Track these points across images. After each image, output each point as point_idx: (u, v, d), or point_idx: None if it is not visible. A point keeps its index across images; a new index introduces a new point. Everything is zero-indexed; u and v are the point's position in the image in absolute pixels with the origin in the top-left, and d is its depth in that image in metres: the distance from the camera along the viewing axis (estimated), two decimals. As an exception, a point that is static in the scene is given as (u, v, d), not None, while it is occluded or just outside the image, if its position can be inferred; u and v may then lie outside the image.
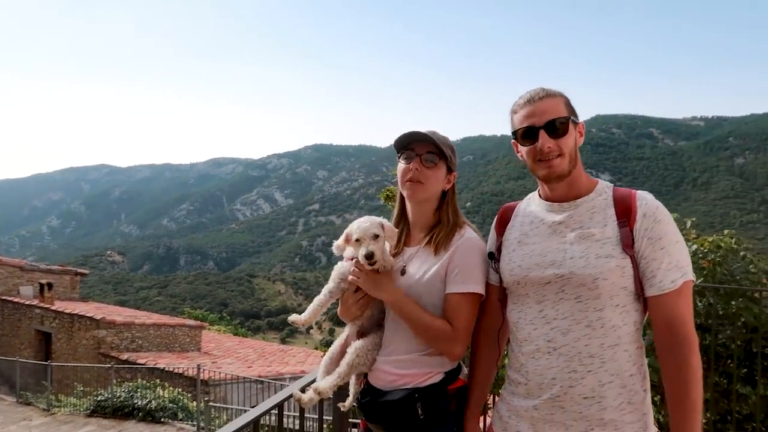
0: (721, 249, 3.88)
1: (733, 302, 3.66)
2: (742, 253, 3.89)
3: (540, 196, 1.85)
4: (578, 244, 1.66)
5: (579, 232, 1.68)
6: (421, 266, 1.96)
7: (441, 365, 1.92)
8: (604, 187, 1.76)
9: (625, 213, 1.65)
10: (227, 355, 18.83)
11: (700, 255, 3.86)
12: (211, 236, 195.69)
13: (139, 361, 15.45)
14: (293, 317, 1.97)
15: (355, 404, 2.13)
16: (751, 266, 3.84)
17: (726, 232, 4.05)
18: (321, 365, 2.10)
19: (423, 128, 2.02)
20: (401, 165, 2.01)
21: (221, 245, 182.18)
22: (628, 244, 1.62)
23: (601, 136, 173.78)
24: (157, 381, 12.93)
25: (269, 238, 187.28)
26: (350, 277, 1.96)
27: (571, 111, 1.73)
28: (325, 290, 2.06)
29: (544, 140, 1.69)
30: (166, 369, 14.58)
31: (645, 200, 1.66)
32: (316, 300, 2.03)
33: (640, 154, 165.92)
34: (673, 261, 1.60)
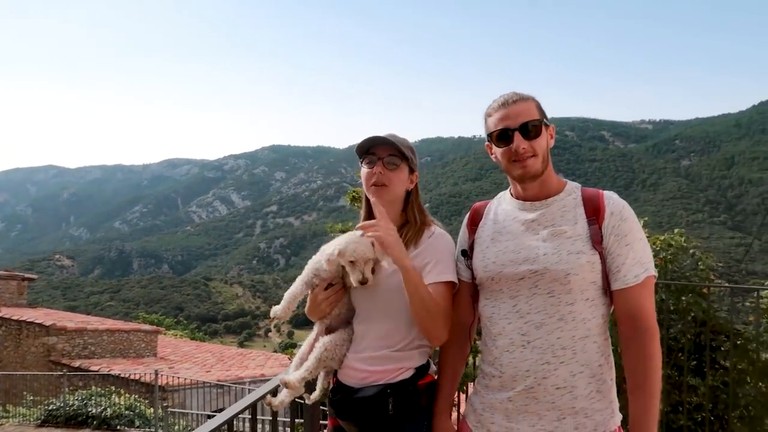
0: (672, 247, 4.07)
1: (683, 298, 3.84)
2: (691, 251, 4.09)
3: (512, 195, 1.92)
4: (551, 241, 1.74)
5: (551, 230, 1.76)
6: (393, 266, 1.97)
7: (411, 361, 1.95)
8: (573, 188, 1.86)
9: (594, 211, 1.75)
10: (185, 359, 18.46)
11: (652, 253, 4.03)
12: (166, 239, 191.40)
13: (93, 368, 14.99)
14: (274, 310, 2.01)
15: (325, 403, 2.13)
16: (699, 263, 4.05)
17: (676, 231, 4.25)
18: (291, 366, 2.11)
19: (382, 131, 2.06)
20: (365, 170, 2.04)
21: (176, 248, 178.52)
22: (597, 240, 1.71)
23: (555, 138, 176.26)
24: (112, 388, 12.56)
25: (226, 240, 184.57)
26: (368, 233, 1.88)
27: (543, 114, 1.82)
28: (298, 281, 2.06)
29: (519, 142, 1.76)
30: (121, 375, 14.20)
31: (612, 199, 1.77)
32: (291, 290, 2.04)
33: (593, 156, 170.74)
34: (637, 257, 1.71)
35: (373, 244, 1.93)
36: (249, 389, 12.23)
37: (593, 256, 1.71)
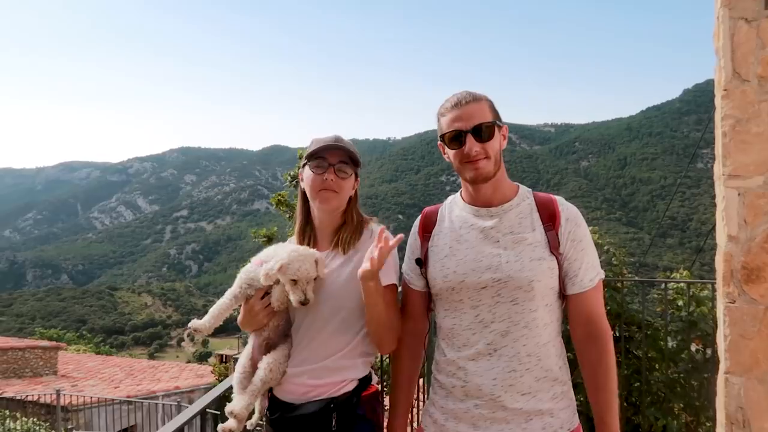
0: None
1: (599, 292, 4.02)
2: (605, 248, 4.30)
3: (464, 199, 1.89)
4: (512, 249, 1.74)
5: (511, 237, 1.76)
6: (334, 268, 1.93)
7: (355, 371, 1.90)
8: (525, 192, 1.86)
9: (549, 217, 1.77)
10: (89, 376, 17.32)
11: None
12: (65, 247, 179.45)
13: (-17, 391, 13.72)
14: (194, 323, 1.87)
15: (261, 422, 2.03)
16: (613, 259, 4.26)
17: (591, 228, 4.44)
18: (234, 383, 1.99)
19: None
20: (310, 174, 1.96)
21: (76, 257, 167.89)
22: (555, 246, 1.74)
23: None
24: (6, 412, 11.55)
25: (132, 247, 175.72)
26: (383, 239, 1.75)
27: (496, 114, 1.80)
28: (228, 294, 1.94)
29: (471, 144, 1.75)
30: (16, 398, 13.09)
31: (566, 206, 1.80)
32: (218, 304, 1.92)
33: (504, 158, 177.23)
34: (590, 261, 1.77)
35: (316, 262, 1.87)
36: (163, 404, 11.66)
37: (552, 261, 1.73)
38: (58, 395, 11.29)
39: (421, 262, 1.89)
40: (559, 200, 1.82)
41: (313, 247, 2.00)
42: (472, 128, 1.75)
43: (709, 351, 3.69)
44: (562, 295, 1.79)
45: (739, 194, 2.25)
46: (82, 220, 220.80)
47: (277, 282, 1.89)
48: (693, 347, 3.89)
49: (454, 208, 1.91)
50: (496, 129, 1.79)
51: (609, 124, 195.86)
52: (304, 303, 1.84)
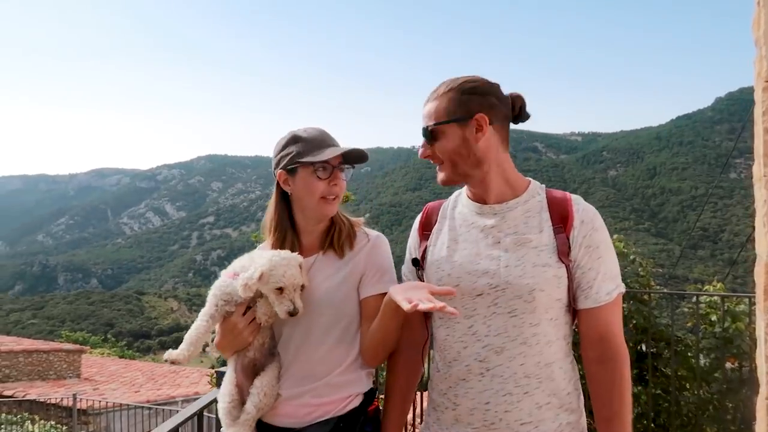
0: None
1: (624, 305, 3.77)
2: (631, 257, 4.03)
3: (468, 195, 1.69)
4: (513, 252, 1.52)
5: (514, 238, 1.54)
6: (329, 274, 1.76)
7: (359, 385, 1.74)
8: (537, 188, 1.63)
9: (561, 218, 1.54)
10: (111, 380, 17.44)
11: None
12: (95, 252, 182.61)
13: (6, 393, 13.85)
14: (169, 354, 1.64)
15: None
16: (640, 269, 3.99)
17: (615, 236, 4.19)
18: (222, 415, 1.75)
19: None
20: (313, 180, 1.74)
21: (106, 261, 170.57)
22: (564, 252, 1.50)
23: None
24: (26, 414, 11.61)
25: (160, 252, 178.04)
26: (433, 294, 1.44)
27: (459, 108, 1.54)
28: (202, 315, 1.71)
29: (422, 148, 1.62)
30: (38, 400, 13.17)
31: (581, 205, 1.56)
32: (194, 329, 1.69)
33: (527, 167, 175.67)
34: (608, 271, 1.52)
35: (300, 266, 1.70)
36: (179, 410, 11.59)
37: (560, 269, 1.49)
38: (75, 399, 11.30)
39: (418, 263, 1.72)
40: (575, 199, 1.58)
41: (301, 254, 1.79)
42: (422, 131, 1.60)
43: (745, 370, 3.40)
44: (573, 309, 1.55)
45: None
46: (112, 225, 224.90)
47: (260, 294, 1.69)
48: (727, 366, 3.60)
49: (458, 204, 1.72)
50: (451, 127, 1.55)
51: (638, 133, 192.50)
52: (293, 314, 1.64)
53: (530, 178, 1.67)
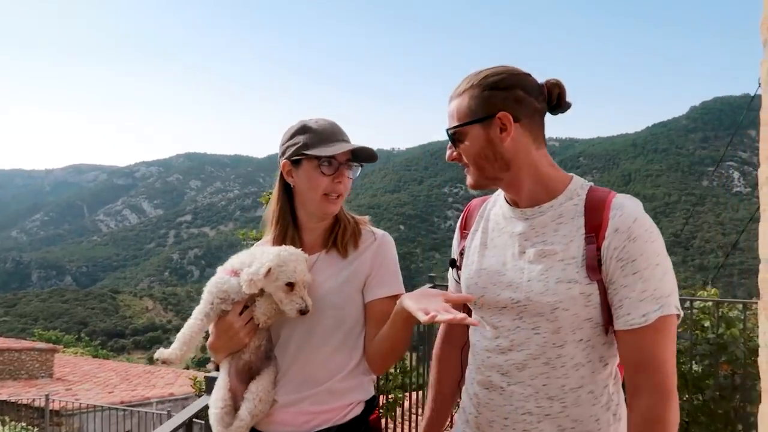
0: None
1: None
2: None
3: (504, 196, 1.54)
4: (537, 264, 1.37)
5: (540, 248, 1.38)
6: (332, 274, 1.67)
7: (361, 392, 1.65)
8: (578, 188, 1.42)
9: (594, 225, 1.33)
10: (84, 380, 17.09)
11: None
12: (70, 249, 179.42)
13: (-25, 392, 13.48)
14: (161, 354, 1.54)
15: None
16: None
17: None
18: (214, 422, 1.64)
19: None
20: (317, 175, 1.64)
21: (81, 259, 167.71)
22: (592, 266, 1.31)
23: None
24: (-3, 415, 11.30)
25: (136, 251, 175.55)
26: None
27: (482, 107, 1.40)
28: (197, 313, 1.61)
29: (448, 150, 1.49)
30: (9, 400, 12.82)
31: (621, 210, 1.32)
32: (187, 328, 1.59)
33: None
34: (649, 289, 1.27)
35: (305, 261, 1.61)
36: (155, 412, 11.36)
37: (588, 286, 1.31)
38: (47, 399, 11.01)
39: (455, 263, 1.63)
40: (616, 201, 1.34)
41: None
42: (447, 132, 1.47)
43: (737, 377, 3.38)
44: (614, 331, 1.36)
45: None
46: (87, 222, 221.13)
47: (261, 292, 1.60)
48: (720, 372, 3.58)
49: (496, 204, 1.58)
50: (473, 128, 1.41)
51: (614, 140, 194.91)
52: (304, 312, 1.55)
53: (573, 174, 1.47)
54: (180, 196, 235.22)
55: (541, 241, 1.39)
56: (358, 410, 1.63)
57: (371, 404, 1.68)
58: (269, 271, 1.54)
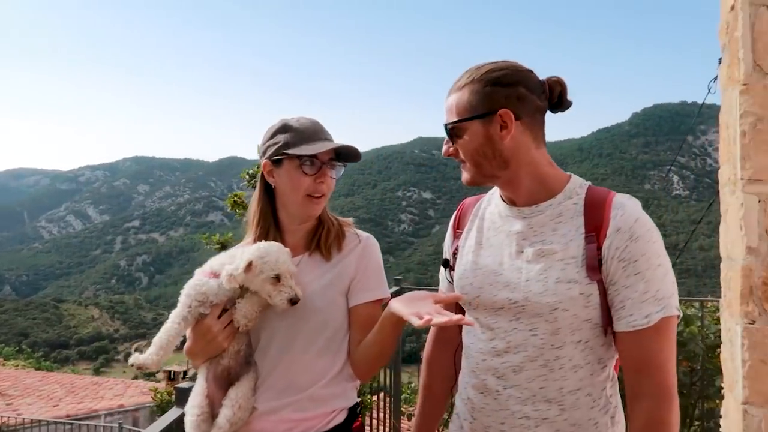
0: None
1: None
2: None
3: (500, 194, 1.52)
4: (536, 263, 1.35)
5: (538, 248, 1.36)
6: (315, 277, 1.63)
7: (345, 399, 1.62)
8: (576, 187, 1.42)
9: (595, 225, 1.32)
10: (27, 394, 16.33)
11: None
12: (8, 257, 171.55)
13: None
14: (136, 359, 1.49)
15: None
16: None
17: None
18: (190, 429, 1.58)
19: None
20: (298, 175, 1.59)
21: (21, 267, 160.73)
22: (593, 266, 1.30)
23: (423, 157, 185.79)
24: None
25: (81, 258, 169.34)
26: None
27: (483, 102, 1.37)
28: (174, 316, 1.55)
29: (444, 145, 1.46)
30: (-56, 418, 12.10)
31: (622, 209, 1.32)
32: (164, 332, 1.53)
33: (457, 174, 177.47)
34: (651, 290, 1.28)
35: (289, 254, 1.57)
36: (104, 425, 10.94)
37: (588, 286, 1.30)
38: (-13, 416, 10.42)
39: (448, 263, 1.59)
40: (617, 201, 1.34)
41: None
42: (445, 127, 1.43)
43: (696, 374, 3.49)
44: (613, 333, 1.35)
45: (759, 201, 2.18)
46: (28, 229, 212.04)
47: (242, 294, 1.57)
48: (679, 369, 3.68)
49: (491, 203, 1.55)
50: (473, 124, 1.37)
51: (561, 144, 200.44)
52: (295, 301, 1.51)
53: (571, 174, 1.47)
54: (127, 201, 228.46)
55: (539, 241, 1.37)
56: (340, 418, 1.59)
57: (354, 411, 1.64)
58: (250, 264, 1.50)
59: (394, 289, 4.21)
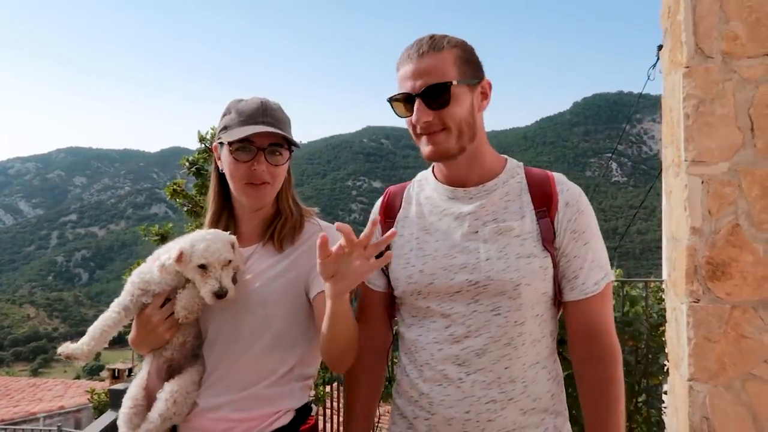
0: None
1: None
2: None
3: (436, 177, 1.48)
4: (494, 242, 1.34)
5: (494, 226, 1.35)
6: (264, 268, 1.54)
7: (291, 400, 1.51)
8: (515, 167, 1.45)
9: (543, 200, 1.37)
10: (-44, 399, 15.43)
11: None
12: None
13: None
14: (65, 348, 1.41)
15: None
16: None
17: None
18: (122, 422, 1.49)
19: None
20: (232, 161, 1.50)
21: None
22: (548, 238, 1.34)
23: (372, 146, 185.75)
24: None
25: (13, 254, 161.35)
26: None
27: (467, 68, 1.34)
28: (115, 305, 1.47)
29: (420, 113, 1.32)
30: None
31: (565, 185, 1.39)
32: (100, 321, 1.44)
33: (407, 164, 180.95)
34: (596, 259, 1.36)
35: (233, 246, 1.47)
36: (43, 429, 10.44)
37: (545, 259, 1.33)
38: None
39: (381, 256, 1.54)
40: (558, 177, 1.41)
41: (239, 244, 1.56)
42: (422, 91, 1.31)
43: (641, 352, 3.58)
44: (558, 302, 1.39)
45: (702, 182, 2.11)
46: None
47: (184, 284, 1.48)
48: (624, 348, 3.78)
49: (424, 188, 1.50)
50: (463, 89, 1.33)
51: (507, 133, 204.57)
52: (220, 295, 1.40)
53: (506, 156, 1.48)
54: (63, 194, 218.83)
55: (493, 219, 1.37)
56: (286, 419, 1.48)
57: (303, 413, 1.53)
58: (181, 255, 1.42)
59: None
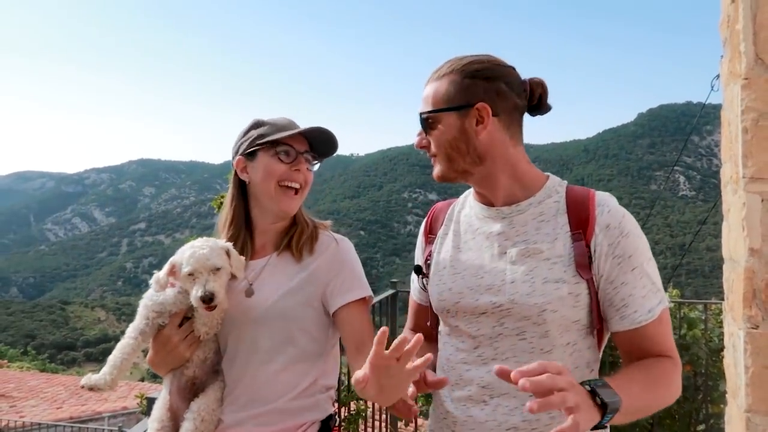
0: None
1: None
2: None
3: (475, 196, 1.46)
4: (521, 264, 1.29)
5: (523, 248, 1.30)
6: (281, 280, 1.52)
7: (317, 411, 1.52)
8: (556, 186, 1.38)
9: (580, 222, 1.29)
10: (31, 396, 16.32)
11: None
12: (15, 259, 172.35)
13: None
14: (88, 380, 1.40)
15: None
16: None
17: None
18: None
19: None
20: (273, 162, 1.52)
21: (28, 269, 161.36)
22: (582, 264, 1.26)
23: (428, 159, 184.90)
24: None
25: (87, 260, 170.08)
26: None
27: (461, 95, 1.32)
28: (131, 330, 1.47)
29: (417, 136, 1.40)
30: (-53, 420, 12.10)
31: (607, 206, 1.29)
32: (119, 350, 1.44)
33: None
34: (648, 285, 1.26)
35: (228, 253, 1.47)
36: (107, 428, 10.90)
37: (578, 285, 1.26)
38: (-11, 419, 10.41)
39: (421, 270, 1.51)
40: (600, 198, 1.31)
41: (252, 256, 1.59)
42: (419, 118, 1.37)
43: (699, 378, 3.40)
44: (597, 332, 1.31)
45: (762, 200, 2.17)
46: (35, 231, 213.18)
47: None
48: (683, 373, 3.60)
49: (465, 206, 1.49)
50: (447, 116, 1.32)
51: (567, 146, 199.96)
52: (205, 299, 1.39)
53: (549, 174, 1.42)
54: (133, 203, 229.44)
55: (523, 240, 1.32)
56: (312, 431, 1.50)
57: (328, 424, 1.54)
58: (173, 267, 1.43)
59: (390, 292, 4.14)
